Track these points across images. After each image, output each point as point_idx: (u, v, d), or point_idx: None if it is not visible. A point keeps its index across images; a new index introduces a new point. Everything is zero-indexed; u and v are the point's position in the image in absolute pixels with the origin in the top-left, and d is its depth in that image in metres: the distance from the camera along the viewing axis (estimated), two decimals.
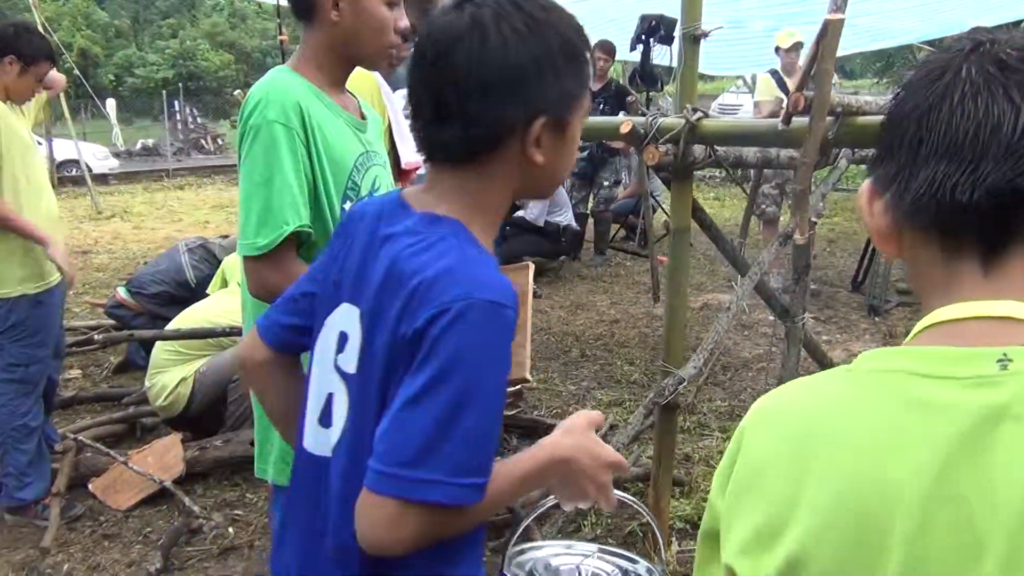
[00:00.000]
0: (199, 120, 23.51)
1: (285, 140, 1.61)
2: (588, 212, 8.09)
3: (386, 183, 1.85)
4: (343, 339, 1.15)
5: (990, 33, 0.73)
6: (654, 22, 7.73)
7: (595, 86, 7.56)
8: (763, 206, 6.38)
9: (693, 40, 2.83)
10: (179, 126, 22.31)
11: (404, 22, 1.81)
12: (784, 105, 2.37)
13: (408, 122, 2.55)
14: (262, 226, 1.60)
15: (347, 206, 1.73)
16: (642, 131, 2.89)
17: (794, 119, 2.43)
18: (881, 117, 2.15)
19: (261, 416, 1.78)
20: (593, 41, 7.67)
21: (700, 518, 3.31)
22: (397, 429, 1.01)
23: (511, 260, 7.37)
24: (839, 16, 2.21)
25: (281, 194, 1.60)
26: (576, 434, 1.17)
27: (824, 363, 3.87)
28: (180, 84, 25.30)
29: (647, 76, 8.11)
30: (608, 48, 7.57)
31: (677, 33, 3.05)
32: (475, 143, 1.09)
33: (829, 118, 2.35)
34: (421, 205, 1.14)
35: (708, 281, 7.10)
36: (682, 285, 3.01)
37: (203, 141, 21.73)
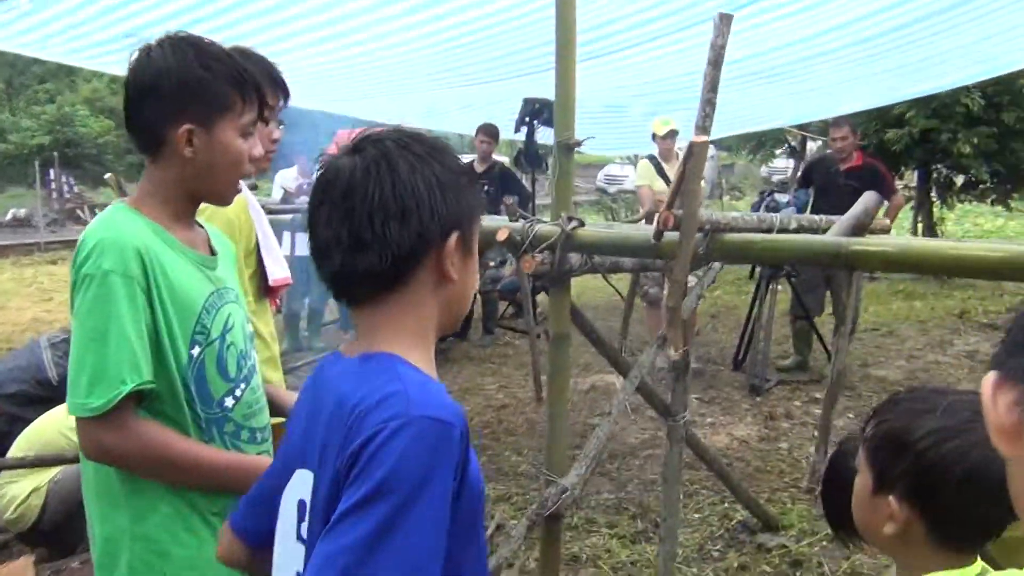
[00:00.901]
0: (76, 189, 22.58)
1: (123, 291, 1.49)
2: (475, 291, 8.06)
3: (240, 321, 1.75)
4: (302, 507, 1.13)
5: None
6: (537, 105, 7.89)
7: (479, 168, 7.61)
8: (645, 287, 6.48)
9: (567, 149, 2.85)
10: (54, 195, 21.38)
11: (258, 149, 1.73)
12: (656, 220, 2.39)
13: (273, 238, 2.45)
14: (95, 385, 1.48)
15: (195, 352, 1.62)
16: (519, 238, 2.88)
17: (666, 234, 2.45)
18: (751, 236, 2.14)
19: (107, 571, 1.63)
20: (476, 125, 7.78)
21: None
22: (326, 547, 0.98)
23: None
24: (704, 138, 2.25)
25: (118, 350, 1.48)
26: None
27: (706, 460, 3.90)
28: (56, 151, 24.33)
29: (531, 157, 8.24)
30: (491, 131, 7.66)
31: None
32: (395, 268, 1.11)
33: (699, 234, 2.37)
34: (355, 352, 1.15)
35: (595, 361, 7.10)
36: (564, 391, 2.98)
37: (80, 211, 20.83)
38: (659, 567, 3.58)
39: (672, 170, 6.65)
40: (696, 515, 4.21)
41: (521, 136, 8.17)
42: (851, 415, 5.51)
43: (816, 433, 5.30)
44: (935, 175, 10.78)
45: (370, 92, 6.77)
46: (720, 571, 3.63)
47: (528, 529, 2.96)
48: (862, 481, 1.39)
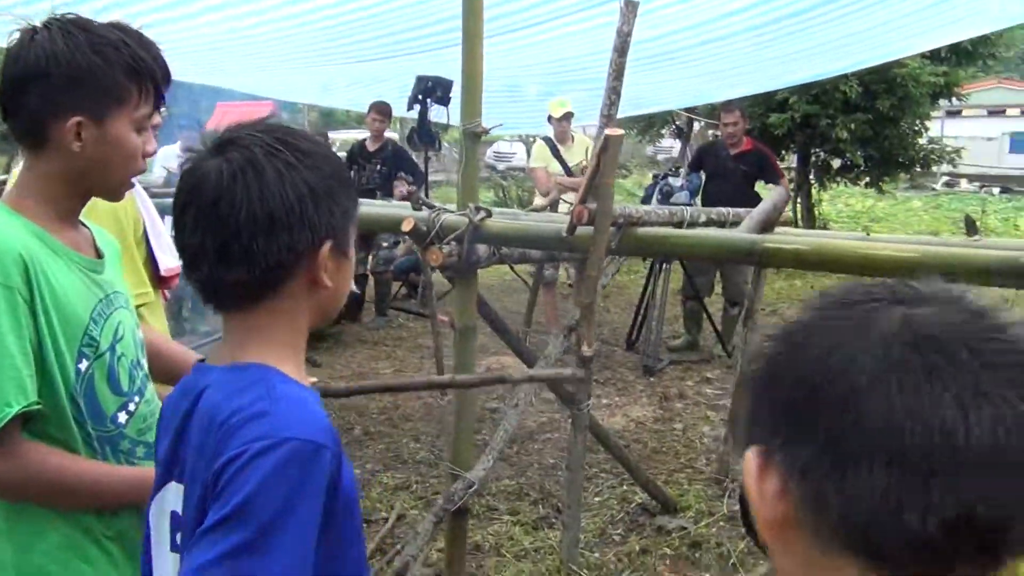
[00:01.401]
0: None
1: (4, 304, 1.34)
2: (367, 272, 7.90)
3: (131, 328, 1.61)
4: (175, 518, 1.12)
5: (910, 288, 0.62)
6: (430, 83, 7.75)
7: (372, 146, 7.44)
8: (543, 269, 6.48)
9: (473, 136, 2.78)
10: None
11: (152, 145, 1.59)
12: (570, 215, 2.34)
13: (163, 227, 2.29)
14: None
15: (83, 365, 1.48)
16: (424, 228, 2.79)
17: (578, 228, 2.41)
18: (664, 230, 2.12)
19: None
20: (368, 102, 7.59)
21: None
22: (190, 562, 0.97)
23: None
24: (619, 132, 2.21)
25: (0, 369, 1.33)
26: None
27: (607, 445, 3.92)
28: None
29: (424, 135, 8.10)
30: (383, 109, 7.48)
31: (455, 94, 2.97)
32: (265, 280, 1.08)
33: (612, 228, 2.34)
34: (223, 361, 1.12)
35: (491, 342, 7.06)
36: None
37: None
38: (562, 554, 3.59)
39: (568, 152, 6.66)
40: (596, 499, 4.24)
41: (414, 114, 8.02)
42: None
43: (709, 414, 5.44)
44: (814, 158, 11.19)
45: (261, 67, 6.49)
46: (622, 555, 3.66)
47: (434, 524, 2.91)
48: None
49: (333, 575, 1.08)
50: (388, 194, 7.51)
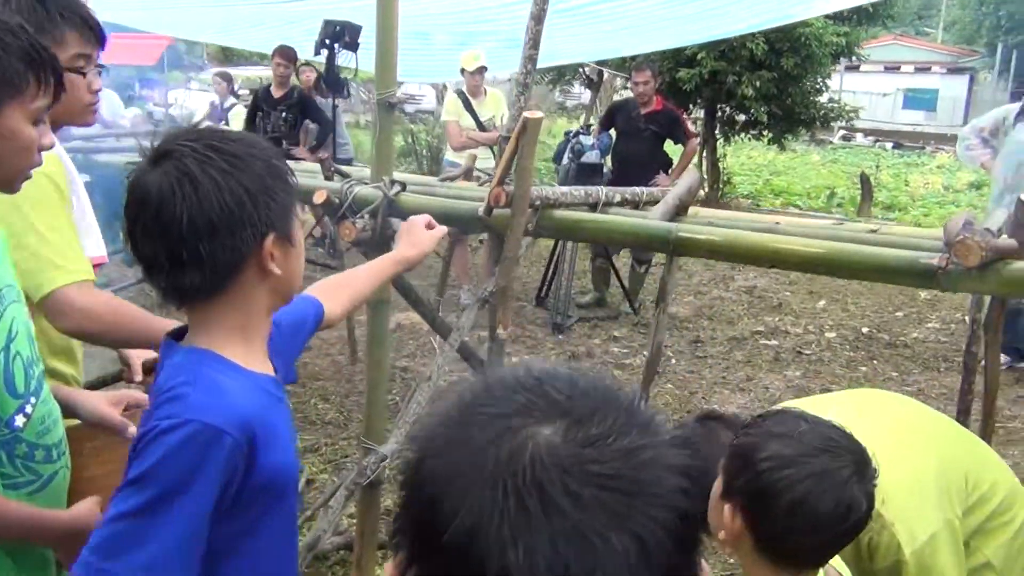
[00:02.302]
0: None
1: None
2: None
3: (23, 323, 1.53)
4: None
5: (547, 399, 0.62)
6: (338, 27, 7.51)
7: (277, 93, 7.20)
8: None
9: (388, 107, 2.71)
10: None
11: (48, 138, 1.50)
12: (487, 197, 2.32)
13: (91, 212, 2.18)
14: None
15: None
16: (337, 200, 2.73)
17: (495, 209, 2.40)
18: (581, 215, 2.12)
19: None
20: (273, 44, 7.32)
21: None
22: (105, 515, 1.13)
23: None
24: (538, 115, 2.19)
25: None
26: None
27: None
28: None
29: (332, 82, 7.88)
30: (288, 54, 7.22)
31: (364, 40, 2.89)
32: (217, 279, 1.19)
33: (529, 210, 2.34)
34: (187, 342, 1.26)
35: (399, 298, 7.04)
36: (383, 360, 2.90)
37: None
38: None
39: (480, 106, 6.59)
40: None
41: (321, 59, 7.78)
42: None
43: (616, 373, 5.55)
44: (720, 113, 11.38)
45: (161, 2, 6.17)
46: None
47: (346, 499, 2.90)
48: (717, 482, 1.44)
49: (223, 555, 1.20)
50: (294, 143, 7.30)
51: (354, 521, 3.40)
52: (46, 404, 1.55)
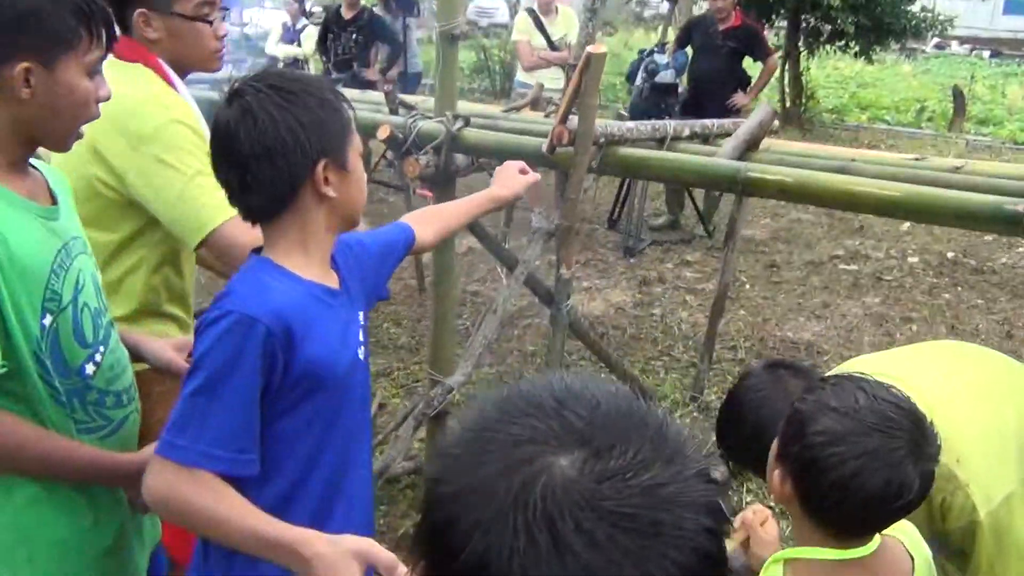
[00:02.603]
0: None
1: None
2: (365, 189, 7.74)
3: (91, 274, 1.57)
4: None
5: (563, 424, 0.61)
6: None
7: (347, 14, 7.15)
8: None
9: (451, 39, 2.66)
10: None
11: (104, 90, 1.51)
12: (550, 134, 2.28)
13: None
14: None
15: (46, 321, 1.45)
16: (401, 135, 2.72)
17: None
18: (646, 153, 2.07)
19: None
20: None
21: None
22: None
23: None
24: (602, 49, 2.12)
25: None
26: (336, 552, 1.29)
27: (587, 342, 3.97)
28: None
29: (403, 0, 7.79)
30: None
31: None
32: (277, 201, 1.38)
33: (592, 148, 2.28)
34: (262, 254, 1.44)
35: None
36: (449, 292, 2.92)
37: None
38: None
39: (551, 25, 6.43)
40: None
41: None
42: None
43: (687, 299, 5.50)
44: (804, 25, 10.87)
45: None
46: None
47: (414, 429, 2.97)
48: (776, 440, 1.43)
49: (281, 446, 1.39)
50: (364, 65, 7.28)
51: (424, 446, 3.49)
52: (115, 352, 1.61)
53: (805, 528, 1.31)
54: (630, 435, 0.60)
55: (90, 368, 1.52)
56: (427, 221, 1.89)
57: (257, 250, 1.48)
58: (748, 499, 3.36)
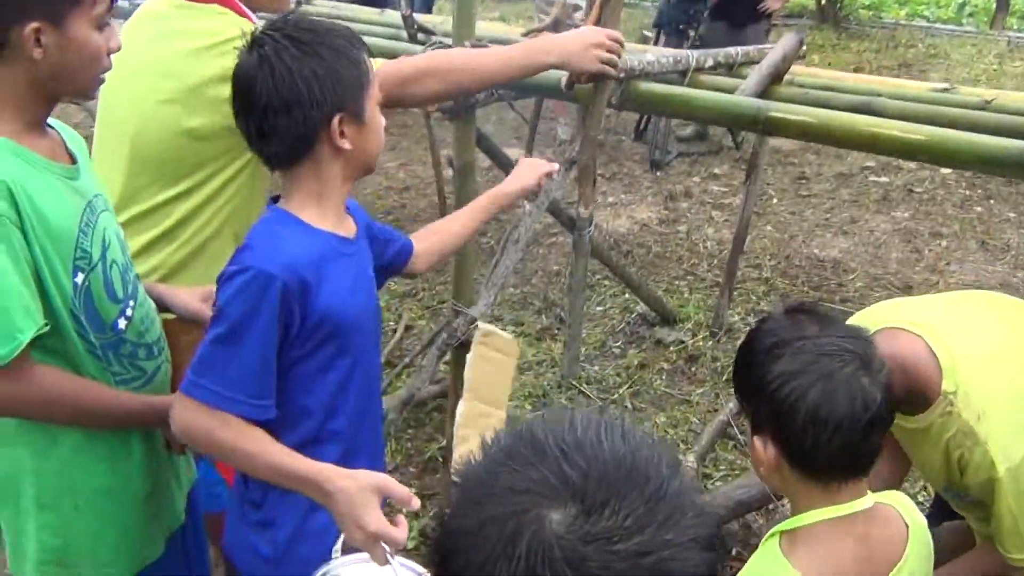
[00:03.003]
0: None
1: None
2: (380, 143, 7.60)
3: (114, 231, 1.61)
4: None
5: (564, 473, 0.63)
6: None
7: None
8: None
9: None
10: None
11: (115, 40, 1.52)
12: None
13: None
14: None
15: (79, 279, 1.49)
16: None
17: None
18: (668, 89, 2.03)
19: (12, 508, 1.59)
20: None
21: None
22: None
23: None
24: None
25: (7, 297, 1.36)
26: (355, 486, 1.34)
27: (610, 265, 3.97)
28: None
29: None
30: None
31: None
32: (292, 150, 1.41)
33: (612, 83, 2.24)
34: (279, 203, 1.49)
35: (496, 132, 6.95)
36: None
37: None
38: (563, 369, 3.76)
39: None
40: (599, 308, 4.36)
41: None
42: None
43: (714, 214, 5.45)
44: None
45: None
46: (621, 369, 3.82)
47: (438, 359, 3.02)
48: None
49: (303, 389, 1.47)
50: None
51: (449, 369, 3.55)
52: (143, 305, 1.66)
53: (798, 492, 1.33)
54: (627, 492, 0.59)
55: (122, 323, 1.57)
56: (427, 235, 1.93)
57: (275, 199, 1.52)
58: None
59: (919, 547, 1.35)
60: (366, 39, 1.54)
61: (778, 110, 1.94)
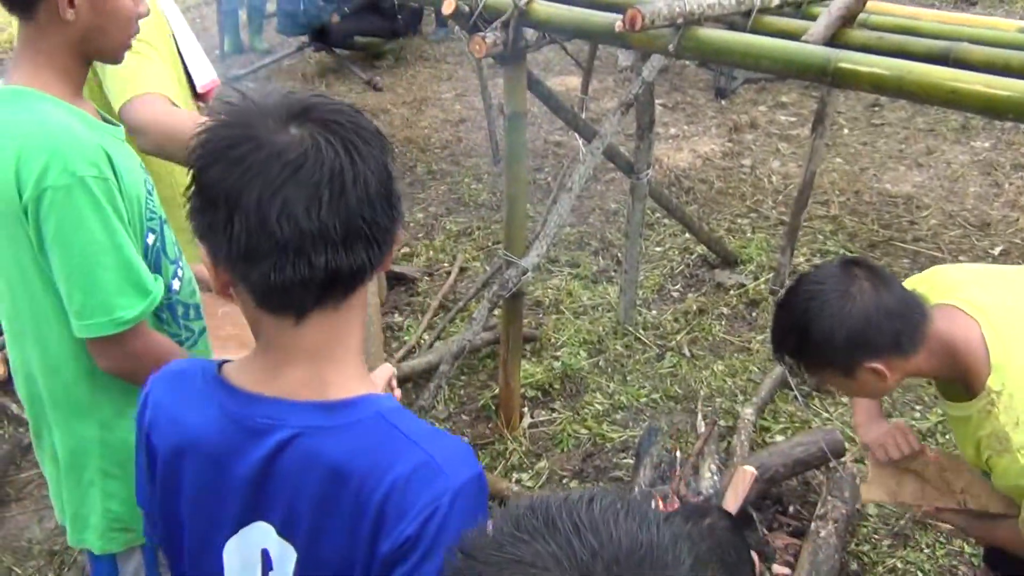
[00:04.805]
0: None
1: (106, 197, 1.37)
2: None
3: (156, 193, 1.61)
4: (267, 557, 1.04)
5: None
6: None
7: None
8: None
9: None
10: None
11: (143, 6, 1.53)
12: (623, 17, 2.10)
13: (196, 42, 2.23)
14: (121, 295, 1.38)
15: (150, 240, 1.50)
16: (467, 9, 2.56)
17: None
18: (728, 36, 1.91)
19: (75, 480, 1.60)
20: None
21: (551, 384, 3.29)
22: None
23: (346, 42, 6.80)
24: None
25: (132, 256, 1.40)
26: None
27: (669, 209, 3.84)
28: None
29: None
30: None
31: None
32: (372, 262, 0.94)
33: (670, 30, 2.10)
34: (296, 384, 0.99)
35: (556, 59, 6.73)
36: (520, 174, 2.83)
37: None
38: (619, 315, 3.68)
39: None
40: (657, 248, 4.24)
41: None
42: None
43: (780, 146, 5.24)
44: None
45: None
46: (679, 314, 3.72)
47: (489, 310, 2.97)
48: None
49: None
50: None
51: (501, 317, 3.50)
52: (187, 268, 1.66)
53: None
54: None
55: (176, 283, 1.60)
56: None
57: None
58: None
59: None
60: None
61: (848, 60, 1.79)
